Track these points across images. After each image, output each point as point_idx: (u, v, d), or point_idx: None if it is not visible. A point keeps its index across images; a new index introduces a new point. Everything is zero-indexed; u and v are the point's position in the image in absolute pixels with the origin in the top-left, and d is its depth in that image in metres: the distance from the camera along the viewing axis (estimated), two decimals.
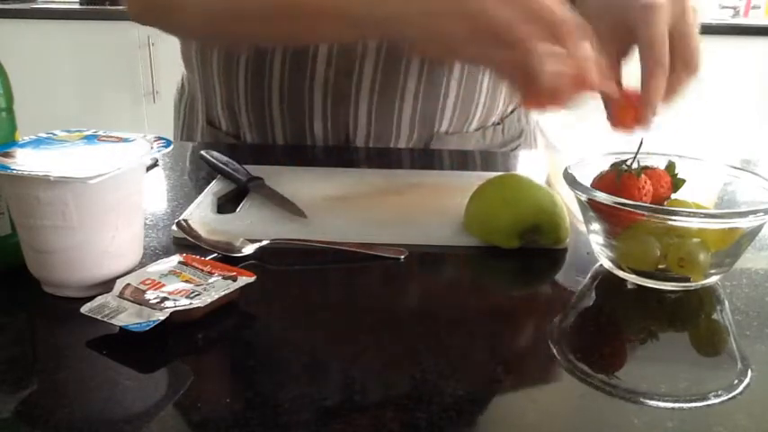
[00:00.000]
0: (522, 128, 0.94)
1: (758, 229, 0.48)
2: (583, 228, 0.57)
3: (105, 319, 0.41)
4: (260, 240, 0.54)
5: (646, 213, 0.47)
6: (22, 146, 0.47)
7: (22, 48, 2.53)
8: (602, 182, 0.51)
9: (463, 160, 0.83)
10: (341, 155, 0.68)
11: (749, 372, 0.40)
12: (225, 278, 0.46)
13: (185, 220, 0.56)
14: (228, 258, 0.52)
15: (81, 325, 0.42)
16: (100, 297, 0.43)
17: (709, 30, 2.44)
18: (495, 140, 0.89)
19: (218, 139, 0.89)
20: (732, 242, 0.48)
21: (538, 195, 0.55)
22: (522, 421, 0.36)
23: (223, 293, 0.44)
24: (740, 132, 2.50)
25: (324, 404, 0.36)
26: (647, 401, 0.37)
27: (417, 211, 0.62)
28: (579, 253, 0.56)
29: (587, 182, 0.52)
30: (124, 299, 0.43)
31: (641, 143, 0.52)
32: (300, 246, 0.55)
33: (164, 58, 2.51)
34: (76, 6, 2.65)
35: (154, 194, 0.67)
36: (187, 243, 0.54)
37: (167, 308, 0.41)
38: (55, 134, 0.50)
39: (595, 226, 0.52)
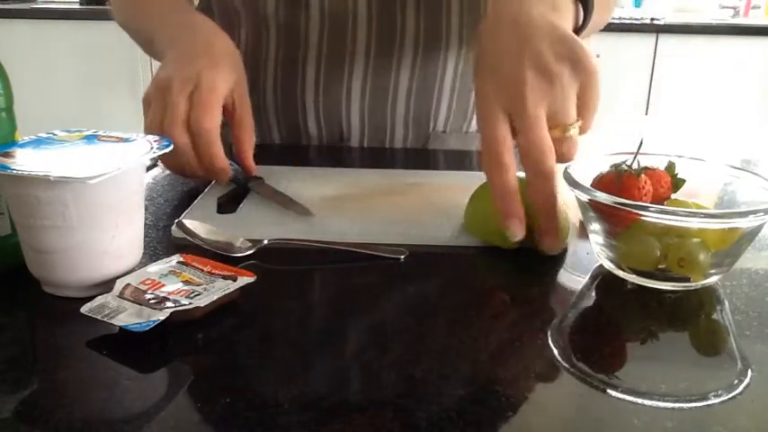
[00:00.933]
0: None
1: (758, 229, 0.48)
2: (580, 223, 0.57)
3: (105, 319, 0.41)
4: (260, 240, 0.54)
5: (646, 213, 0.47)
6: (22, 146, 0.47)
7: (22, 48, 2.53)
8: (602, 182, 0.51)
9: (462, 160, 0.83)
10: (339, 155, 0.68)
11: (749, 372, 0.40)
12: (225, 278, 0.46)
13: (185, 220, 0.56)
14: (228, 258, 0.52)
15: (81, 325, 0.42)
16: (100, 297, 0.43)
17: (709, 30, 2.45)
18: None
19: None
20: (732, 242, 0.48)
21: None
22: (523, 421, 0.36)
23: (223, 293, 0.44)
24: (740, 132, 2.50)
25: (323, 404, 0.36)
26: (647, 401, 0.37)
27: (417, 211, 0.62)
28: (579, 253, 0.56)
29: (587, 182, 0.52)
30: (124, 299, 0.43)
31: (641, 143, 0.52)
32: (300, 246, 0.55)
33: None
34: (76, 6, 2.65)
35: (154, 194, 0.67)
36: (187, 243, 0.54)
37: (167, 308, 0.41)
38: (55, 134, 0.50)
39: (595, 226, 0.52)
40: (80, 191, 0.43)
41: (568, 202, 0.55)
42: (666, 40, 2.44)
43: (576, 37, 0.53)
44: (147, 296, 0.43)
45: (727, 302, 0.49)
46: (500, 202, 0.52)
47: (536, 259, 0.55)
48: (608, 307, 0.49)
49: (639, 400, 0.37)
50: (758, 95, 2.48)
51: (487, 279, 0.54)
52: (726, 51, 2.44)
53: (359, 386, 0.38)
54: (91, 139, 0.50)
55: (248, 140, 0.66)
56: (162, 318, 0.40)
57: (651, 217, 0.47)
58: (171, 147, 0.49)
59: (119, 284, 0.44)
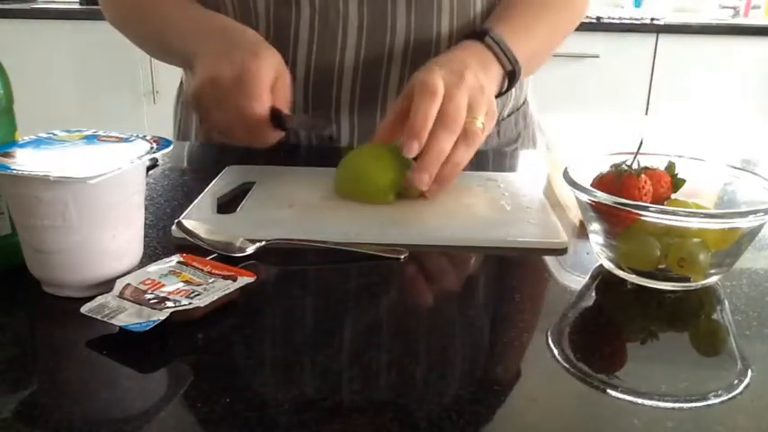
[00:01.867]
0: (519, 132, 0.93)
1: (758, 229, 0.48)
2: (569, 215, 0.57)
3: (105, 319, 0.41)
4: (260, 240, 0.54)
5: (646, 213, 0.47)
6: (22, 146, 0.47)
7: (22, 48, 2.53)
8: (602, 182, 0.51)
9: None
10: (337, 155, 0.68)
11: (749, 372, 0.40)
12: (225, 278, 0.46)
13: (185, 221, 0.56)
14: (228, 258, 0.52)
15: (81, 325, 0.42)
16: (100, 297, 0.43)
17: (709, 30, 2.44)
18: (490, 144, 0.89)
19: (212, 138, 0.89)
20: (732, 242, 0.48)
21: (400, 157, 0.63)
22: (522, 421, 0.36)
23: (223, 293, 0.44)
24: (740, 132, 2.49)
25: (323, 404, 0.36)
26: (647, 401, 0.37)
27: (417, 211, 0.62)
28: (579, 253, 0.56)
29: (587, 182, 0.52)
30: (124, 299, 0.43)
31: (641, 143, 0.52)
32: (300, 246, 0.55)
33: None
34: (76, 6, 2.65)
35: (154, 194, 0.67)
36: (187, 243, 0.54)
37: (167, 308, 0.41)
38: (55, 134, 0.50)
39: (595, 226, 0.52)
40: (80, 191, 0.43)
41: (568, 202, 0.55)
42: (666, 40, 2.44)
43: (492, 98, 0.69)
44: (147, 296, 0.43)
45: (727, 302, 0.49)
46: (416, 127, 0.61)
47: (536, 259, 0.55)
48: (608, 307, 0.49)
49: (639, 400, 0.37)
50: (758, 95, 2.48)
51: (487, 279, 0.54)
52: (726, 51, 2.43)
53: (359, 386, 0.38)
54: (91, 139, 0.50)
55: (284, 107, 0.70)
56: (162, 318, 0.40)
57: (651, 217, 0.47)
58: (171, 147, 0.49)
59: (119, 284, 0.44)
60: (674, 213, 0.47)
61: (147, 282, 0.45)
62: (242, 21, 0.78)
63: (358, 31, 0.76)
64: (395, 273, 0.52)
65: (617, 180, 0.50)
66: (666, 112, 2.48)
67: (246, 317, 0.45)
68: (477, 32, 0.74)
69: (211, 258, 0.50)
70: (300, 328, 0.44)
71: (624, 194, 0.49)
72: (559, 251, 0.56)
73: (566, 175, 0.52)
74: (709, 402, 0.37)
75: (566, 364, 0.40)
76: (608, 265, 0.52)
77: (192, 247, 0.53)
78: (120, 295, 0.43)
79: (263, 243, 0.54)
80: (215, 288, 0.44)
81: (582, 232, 0.59)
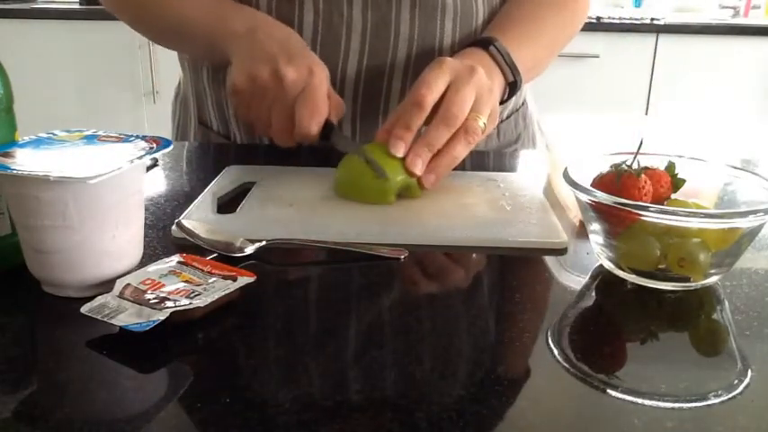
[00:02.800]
0: (519, 132, 0.93)
1: (758, 229, 0.48)
2: (569, 215, 0.57)
3: (105, 319, 0.41)
4: (260, 240, 0.54)
5: (646, 213, 0.47)
6: (22, 146, 0.47)
7: (22, 48, 2.53)
8: (602, 182, 0.51)
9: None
10: (336, 156, 0.68)
11: (749, 372, 0.40)
12: (225, 278, 0.46)
13: (185, 221, 0.56)
14: (228, 258, 0.52)
15: (81, 325, 0.42)
16: (100, 297, 0.43)
17: (709, 30, 2.44)
18: (490, 145, 0.89)
19: (209, 138, 0.89)
20: (732, 242, 0.48)
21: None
22: (523, 421, 0.36)
23: (223, 293, 0.44)
24: (740, 132, 2.50)
25: (324, 404, 0.36)
26: (647, 401, 0.37)
27: (417, 211, 0.62)
28: (579, 253, 0.56)
29: (587, 182, 0.52)
30: (124, 299, 0.43)
31: (641, 143, 0.52)
32: (300, 246, 0.55)
33: (164, 58, 2.51)
34: (76, 6, 2.65)
35: (154, 194, 0.67)
36: (187, 243, 0.54)
37: (167, 308, 0.41)
38: (55, 134, 0.50)
39: (595, 226, 0.52)
40: (80, 191, 0.43)
41: (568, 202, 0.55)
42: (666, 40, 2.44)
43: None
44: (147, 296, 0.43)
45: (727, 302, 0.49)
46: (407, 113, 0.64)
47: (536, 259, 0.55)
48: (608, 307, 0.49)
49: (639, 400, 0.37)
50: (758, 95, 2.48)
51: (487, 279, 0.54)
52: (726, 51, 2.43)
53: (359, 386, 0.38)
54: (91, 139, 0.50)
55: (336, 119, 0.71)
56: (162, 318, 0.40)
57: (651, 217, 0.47)
58: (170, 147, 0.49)
59: (119, 284, 0.44)
60: (674, 213, 0.47)
61: (147, 282, 0.45)
62: None
63: (361, 35, 0.76)
64: (395, 273, 0.52)
65: (617, 180, 0.50)
66: (666, 112, 2.48)
67: (246, 317, 0.45)
68: (481, 41, 0.74)
69: (211, 258, 0.50)
70: (300, 328, 0.44)
71: (624, 194, 0.49)
72: (559, 251, 0.56)
73: (566, 175, 0.52)
74: (709, 402, 0.37)
75: (566, 364, 0.40)
76: (608, 265, 0.52)
77: (192, 247, 0.53)
78: (120, 295, 0.43)
79: (263, 243, 0.54)
80: (215, 288, 0.44)
81: (582, 232, 0.59)
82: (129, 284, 0.44)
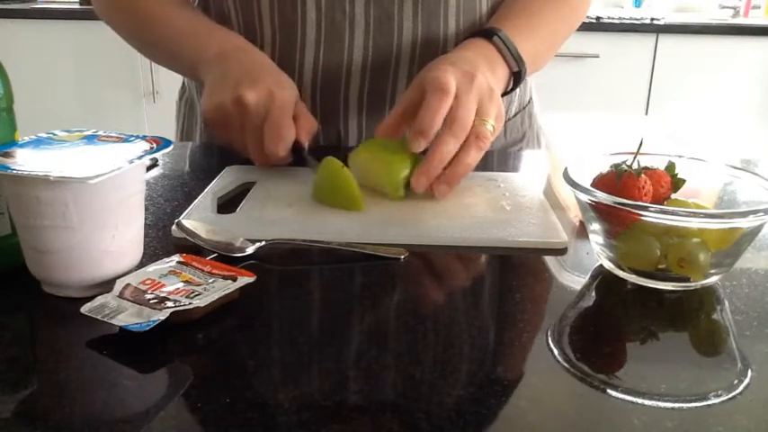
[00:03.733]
0: (525, 131, 0.94)
1: (758, 229, 0.48)
2: (569, 215, 0.57)
3: (105, 319, 0.41)
4: (260, 240, 0.54)
5: (646, 213, 0.47)
6: (22, 146, 0.47)
7: (22, 48, 2.53)
8: (602, 182, 0.51)
9: None
10: (337, 156, 0.68)
11: (749, 372, 0.40)
12: (225, 278, 0.46)
13: (185, 221, 0.56)
14: (228, 258, 0.52)
15: (81, 325, 0.42)
16: (100, 297, 0.43)
17: (709, 30, 2.44)
18: (496, 144, 0.89)
19: (214, 139, 0.89)
20: (732, 242, 0.48)
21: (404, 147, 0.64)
22: (523, 421, 0.36)
23: (223, 293, 0.44)
24: (740, 132, 2.50)
25: (324, 404, 0.36)
26: (647, 401, 0.37)
27: (417, 211, 0.62)
28: (579, 253, 0.56)
29: (587, 182, 0.52)
30: (124, 299, 0.43)
31: (641, 143, 0.52)
32: (300, 246, 0.55)
33: None
34: (76, 6, 2.65)
35: (154, 194, 0.67)
36: (187, 243, 0.54)
37: (167, 308, 0.41)
38: (55, 134, 0.50)
39: (595, 226, 0.52)
40: (80, 191, 0.43)
41: (568, 202, 0.55)
42: (666, 40, 2.44)
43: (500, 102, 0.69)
44: (147, 296, 0.43)
45: (727, 302, 0.49)
46: (425, 119, 0.63)
47: (535, 259, 0.55)
48: (608, 307, 0.49)
49: (639, 400, 0.37)
50: (758, 95, 2.48)
51: (487, 279, 0.54)
52: (726, 51, 2.43)
53: (359, 386, 0.38)
54: (91, 139, 0.50)
55: (306, 140, 0.71)
56: (162, 318, 0.40)
57: (651, 217, 0.47)
58: (170, 147, 0.49)
59: (119, 284, 0.44)
60: (674, 213, 0.47)
61: (147, 282, 0.45)
62: (246, 25, 0.78)
63: (365, 32, 0.76)
64: (395, 273, 0.52)
65: (617, 180, 0.50)
66: (666, 112, 2.48)
67: (246, 317, 0.45)
68: (485, 31, 0.74)
69: (211, 258, 0.50)
70: (300, 328, 0.44)
71: (624, 194, 0.49)
72: (559, 251, 0.56)
73: (566, 175, 0.52)
74: (709, 402, 0.37)
75: (566, 364, 0.40)
76: (608, 265, 0.52)
77: (192, 247, 0.53)
78: (120, 295, 0.43)
79: (263, 243, 0.54)
80: (215, 288, 0.44)
81: (582, 232, 0.59)
82: (129, 284, 0.44)
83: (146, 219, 0.53)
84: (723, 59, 2.44)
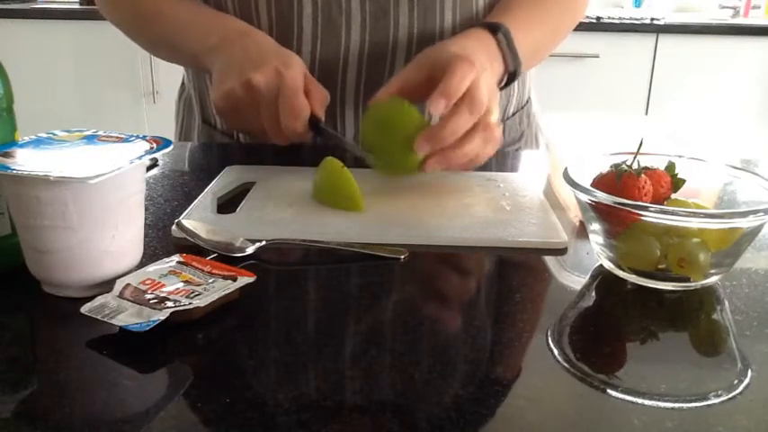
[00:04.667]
0: (523, 130, 0.93)
1: (758, 229, 0.48)
2: (569, 215, 0.57)
3: (105, 319, 0.41)
4: (260, 240, 0.54)
5: (646, 213, 0.47)
6: (22, 146, 0.47)
7: (22, 48, 2.53)
8: (602, 182, 0.51)
9: None
10: (336, 156, 0.68)
11: (749, 372, 0.40)
12: (225, 278, 0.46)
13: (185, 221, 0.56)
14: (228, 258, 0.52)
15: (81, 325, 0.42)
16: (100, 297, 0.43)
17: (709, 30, 2.44)
18: None
19: (213, 137, 0.89)
20: (732, 242, 0.48)
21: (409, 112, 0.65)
22: (523, 421, 0.36)
23: (223, 293, 0.44)
24: (740, 132, 2.50)
25: (323, 404, 0.36)
26: (647, 401, 0.37)
27: (417, 211, 0.62)
28: (579, 253, 0.56)
29: (587, 182, 0.52)
30: (124, 299, 0.43)
31: (641, 143, 0.52)
32: (300, 246, 0.55)
33: None
34: (76, 6, 2.65)
35: (154, 194, 0.67)
36: (187, 243, 0.54)
37: (167, 308, 0.41)
38: (55, 134, 0.50)
39: (595, 226, 0.52)
40: (80, 191, 0.43)
41: (568, 202, 0.55)
42: (666, 40, 2.44)
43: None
44: (147, 296, 0.43)
45: (727, 302, 0.49)
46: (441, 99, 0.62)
47: (536, 259, 0.55)
48: (608, 307, 0.49)
49: (639, 400, 0.37)
50: (758, 95, 2.48)
51: (487, 279, 0.54)
52: (726, 51, 2.43)
53: (359, 386, 0.38)
54: (91, 139, 0.50)
55: (321, 111, 0.71)
56: (162, 318, 0.40)
57: (651, 217, 0.47)
58: (170, 147, 0.49)
59: (119, 284, 0.44)
60: (674, 213, 0.47)
61: (147, 282, 0.45)
62: (243, 19, 0.78)
63: (361, 27, 0.76)
64: (395, 273, 0.52)
65: (617, 180, 0.50)
66: (666, 112, 2.48)
67: (246, 317, 0.45)
68: (488, 25, 0.74)
69: (211, 258, 0.50)
70: (300, 328, 0.44)
71: (624, 194, 0.49)
72: (559, 251, 0.56)
73: (566, 175, 0.52)
74: (709, 402, 0.37)
75: (566, 364, 0.40)
76: (608, 265, 0.52)
77: (192, 247, 0.53)
78: (120, 295, 0.43)
79: (263, 243, 0.54)
80: (215, 288, 0.44)
81: (582, 232, 0.59)
82: (129, 284, 0.44)
83: (146, 219, 0.53)
84: (723, 59, 2.44)
